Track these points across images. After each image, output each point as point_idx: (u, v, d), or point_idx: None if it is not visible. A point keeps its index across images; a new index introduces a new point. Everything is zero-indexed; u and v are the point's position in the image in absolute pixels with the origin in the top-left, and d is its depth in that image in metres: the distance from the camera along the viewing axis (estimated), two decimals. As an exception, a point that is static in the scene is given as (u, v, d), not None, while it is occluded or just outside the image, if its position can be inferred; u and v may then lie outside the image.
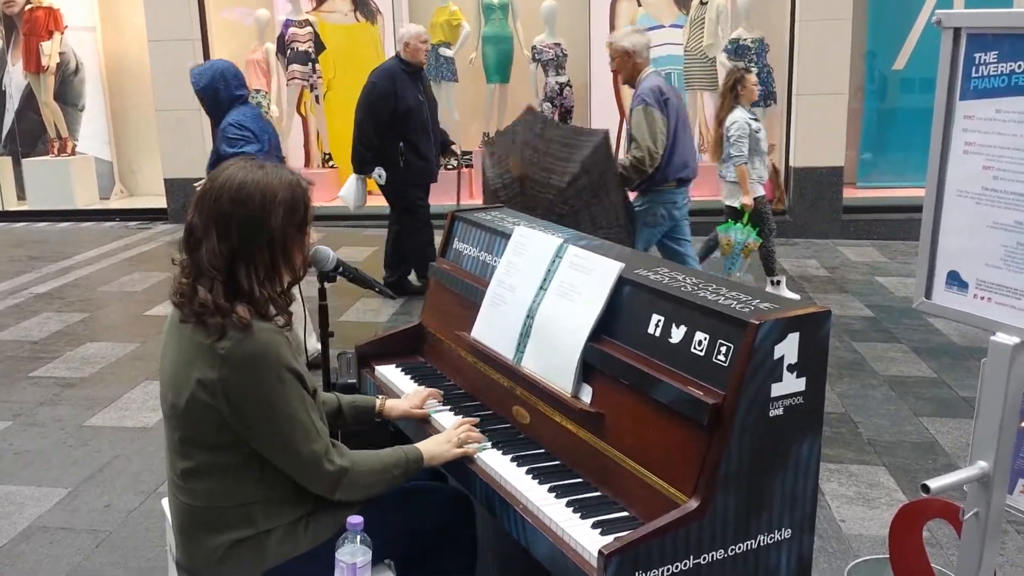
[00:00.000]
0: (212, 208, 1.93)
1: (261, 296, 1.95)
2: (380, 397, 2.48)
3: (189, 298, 1.93)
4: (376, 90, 5.93)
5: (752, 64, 8.46)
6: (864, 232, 8.27)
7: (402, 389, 2.62)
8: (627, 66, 4.98)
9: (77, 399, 4.68)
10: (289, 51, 9.12)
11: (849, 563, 2.70)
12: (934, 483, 1.74)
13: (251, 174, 1.95)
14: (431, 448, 2.20)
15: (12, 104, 10.25)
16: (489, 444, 2.26)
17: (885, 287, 6.64)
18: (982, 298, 1.84)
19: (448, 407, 2.48)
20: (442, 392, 2.52)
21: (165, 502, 2.21)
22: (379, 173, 6.01)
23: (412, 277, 6.58)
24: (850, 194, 8.56)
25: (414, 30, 6.12)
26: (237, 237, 1.92)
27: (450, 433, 2.25)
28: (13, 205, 10.09)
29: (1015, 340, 1.74)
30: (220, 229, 1.92)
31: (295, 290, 2.11)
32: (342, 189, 6.37)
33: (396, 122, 5.91)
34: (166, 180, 9.07)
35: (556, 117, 8.91)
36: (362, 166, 6.09)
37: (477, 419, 2.34)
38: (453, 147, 6.65)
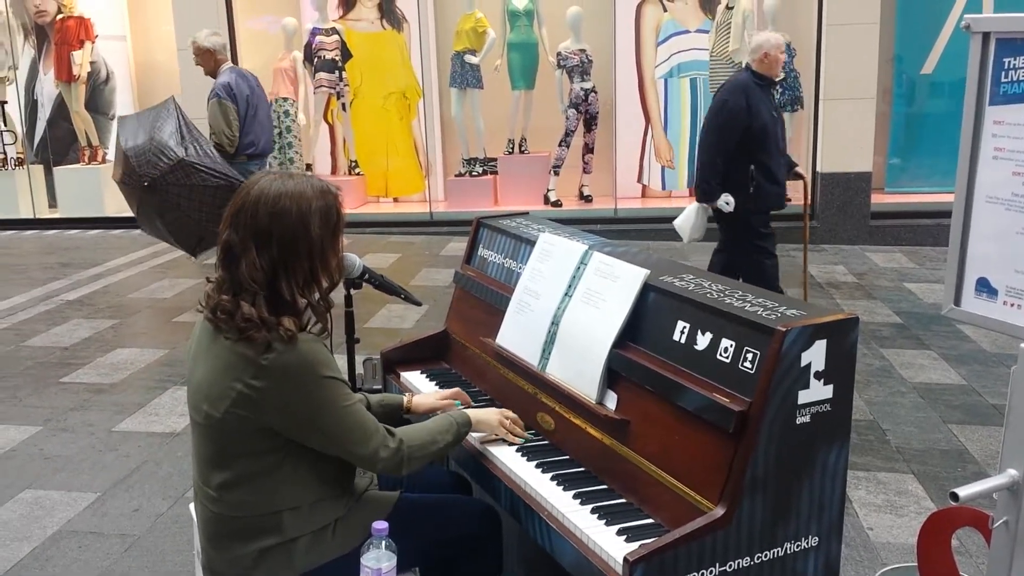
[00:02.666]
0: (250, 224, 1.94)
1: (301, 305, 1.98)
2: (407, 394, 2.49)
3: (231, 314, 1.93)
4: (728, 108, 5.14)
5: (778, 69, 8.43)
6: (892, 238, 8.20)
7: (427, 395, 2.63)
8: (209, 62, 6.21)
9: (107, 404, 4.74)
10: (316, 59, 9.19)
11: (877, 571, 2.68)
12: (963, 491, 1.72)
13: (283, 185, 1.97)
14: (479, 414, 2.29)
15: (44, 113, 10.40)
16: (530, 436, 2.33)
17: (914, 293, 6.58)
18: (1012, 305, 1.82)
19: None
20: (469, 399, 2.53)
21: (192, 507, 2.23)
22: (727, 200, 5.17)
23: None
24: (878, 199, 8.48)
25: (775, 39, 5.23)
26: (277, 249, 1.94)
27: (503, 411, 2.35)
28: (44, 213, 10.22)
29: (1046, 347, 1.72)
30: (260, 243, 1.93)
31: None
32: (679, 218, 5.56)
33: (748, 142, 5.13)
34: (194, 187, 9.14)
35: (581, 123, 8.95)
36: (708, 195, 5.25)
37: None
38: (798, 170, 5.66)
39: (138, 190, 5.59)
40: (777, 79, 5.37)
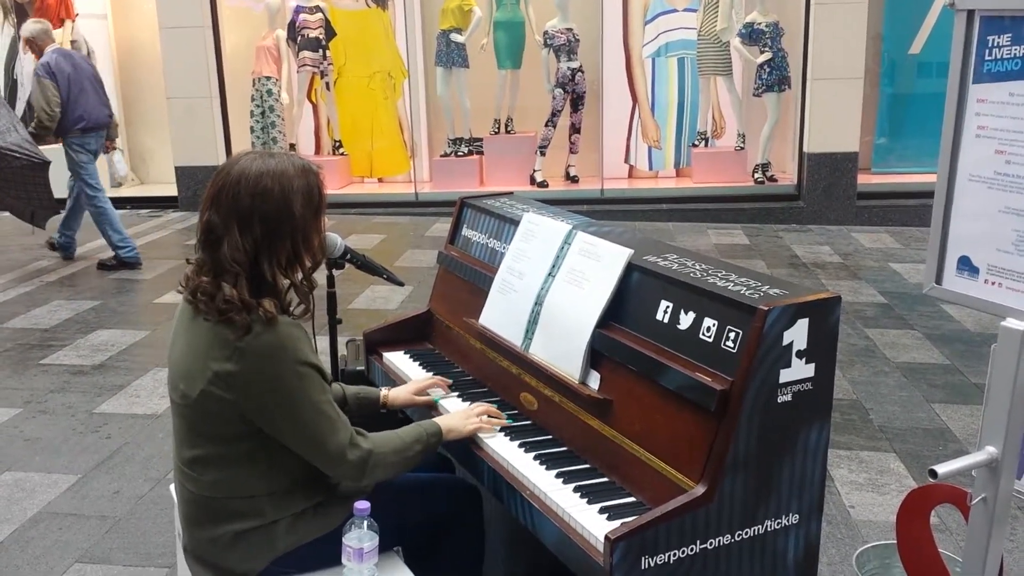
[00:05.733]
0: (231, 204, 1.91)
1: (283, 286, 1.95)
2: (384, 388, 2.48)
3: (211, 295, 1.90)
4: None
5: (766, 48, 8.41)
6: (878, 218, 8.22)
7: (410, 376, 2.62)
8: (35, 48, 6.79)
9: (87, 386, 4.71)
10: (300, 38, 9.11)
11: (858, 548, 2.69)
12: (942, 468, 1.72)
13: (264, 164, 1.94)
14: (449, 422, 2.21)
15: (23, 92, 10.26)
16: (507, 420, 2.28)
17: (899, 273, 6.60)
18: (993, 283, 1.82)
19: (456, 394, 2.48)
20: (449, 381, 2.52)
21: (173, 488, 2.22)
22: None
23: None
24: (865, 180, 8.49)
25: None
26: (260, 230, 1.91)
27: (469, 410, 2.27)
28: (25, 193, 10.11)
29: (1026, 325, 1.73)
30: (242, 224, 1.90)
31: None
32: None
33: None
34: (177, 168, 9.07)
35: (568, 103, 8.91)
36: None
37: (495, 404, 2.36)
38: None
39: None
40: None
